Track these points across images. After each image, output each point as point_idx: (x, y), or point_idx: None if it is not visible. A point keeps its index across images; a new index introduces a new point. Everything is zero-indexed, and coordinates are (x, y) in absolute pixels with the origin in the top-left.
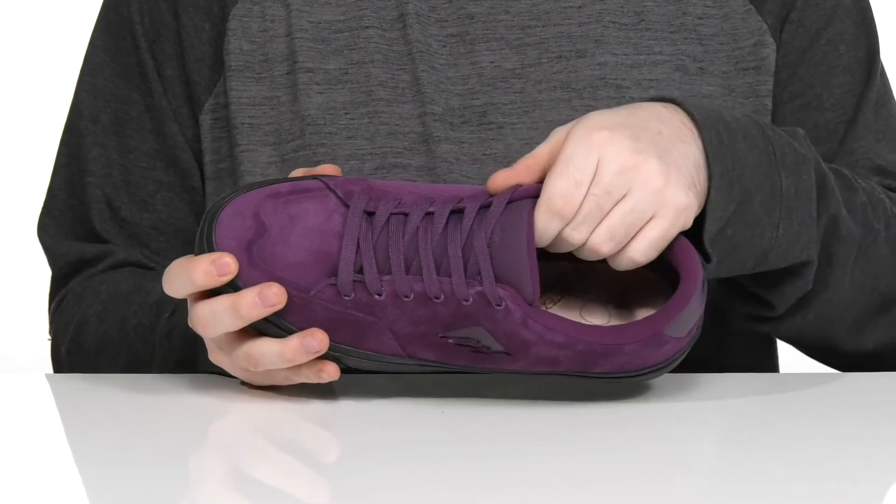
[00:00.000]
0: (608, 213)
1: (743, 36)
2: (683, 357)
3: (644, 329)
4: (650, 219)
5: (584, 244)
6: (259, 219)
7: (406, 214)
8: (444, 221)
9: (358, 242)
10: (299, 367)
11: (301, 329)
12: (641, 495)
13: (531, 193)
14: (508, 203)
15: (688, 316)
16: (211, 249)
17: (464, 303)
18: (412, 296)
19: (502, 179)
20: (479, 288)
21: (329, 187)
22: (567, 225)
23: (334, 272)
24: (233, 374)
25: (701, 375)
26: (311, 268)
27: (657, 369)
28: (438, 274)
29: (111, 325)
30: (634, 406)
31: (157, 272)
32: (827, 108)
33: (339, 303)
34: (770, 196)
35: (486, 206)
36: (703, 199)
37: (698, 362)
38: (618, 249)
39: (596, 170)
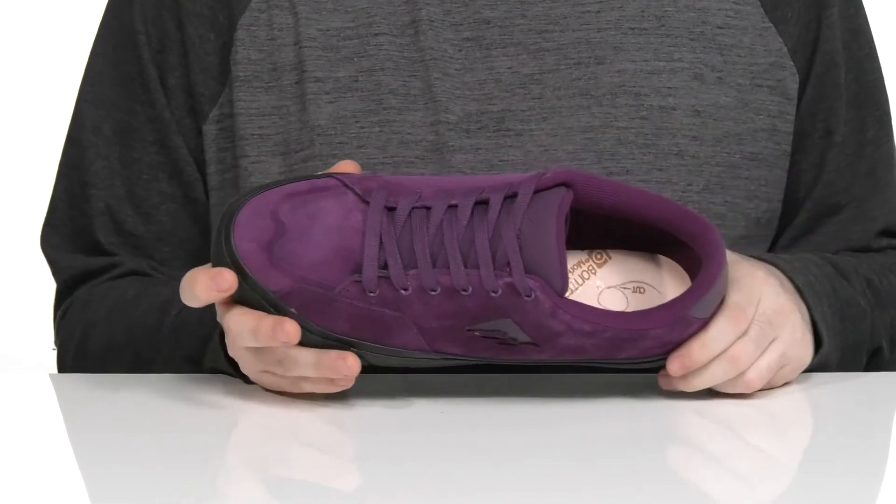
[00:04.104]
0: (765, 349)
1: (760, 52)
2: None
3: (670, 312)
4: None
5: (743, 372)
6: (277, 218)
7: (428, 208)
8: (468, 213)
9: (381, 238)
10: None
11: (324, 328)
12: (643, 495)
13: (556, 181)
14: (535, 193)
15: (713, 296)
16: (230, 251)
17: (492, 294)
18: (439, 289)
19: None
20: (507, 279)
21: (346, 185)
22: (739, 338)
23: (357, 269)
24: (246, 372)
25: None
26: (334, 265)
27: None
28: (465, 266)
29: (117, 328)
30: (638, 404)
31: (163, 279)
32: (840, 143)
33: (364, 299)
34: (840, 350)
35: (511, 196)
36: None
37: None
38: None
39: (757, 305)
